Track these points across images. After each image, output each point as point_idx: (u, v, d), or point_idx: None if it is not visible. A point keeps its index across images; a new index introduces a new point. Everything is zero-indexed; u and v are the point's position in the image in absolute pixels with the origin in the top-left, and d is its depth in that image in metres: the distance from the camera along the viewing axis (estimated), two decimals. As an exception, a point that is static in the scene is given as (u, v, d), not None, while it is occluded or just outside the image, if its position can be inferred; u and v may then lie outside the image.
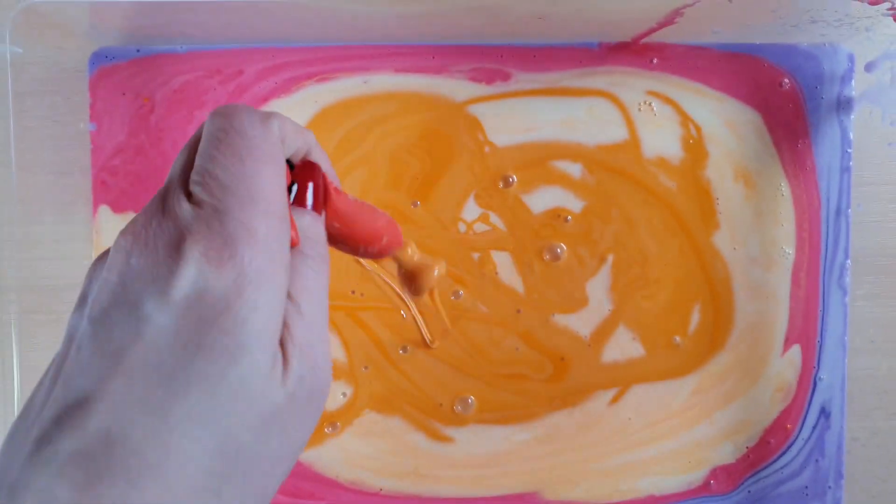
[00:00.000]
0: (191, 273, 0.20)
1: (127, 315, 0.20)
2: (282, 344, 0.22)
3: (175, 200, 0.21)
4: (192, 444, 0.19)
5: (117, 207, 0.44)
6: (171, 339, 0.20)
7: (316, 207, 0.26)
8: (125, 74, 0.44)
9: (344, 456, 0.45)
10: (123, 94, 0.44)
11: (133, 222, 0.22)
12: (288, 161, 0.26)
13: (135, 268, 0.20)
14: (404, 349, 0.45)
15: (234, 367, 0.20)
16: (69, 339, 0.21)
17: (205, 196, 0.21)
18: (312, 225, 0.25)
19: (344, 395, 0.45)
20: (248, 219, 0.21)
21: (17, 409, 0.40)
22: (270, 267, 0.21)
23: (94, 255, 0.44)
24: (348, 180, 0.44)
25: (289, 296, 0.22)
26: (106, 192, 0.44)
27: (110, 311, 0.20)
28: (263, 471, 0.21)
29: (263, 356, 0.20)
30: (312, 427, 0.23)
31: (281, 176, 0.23)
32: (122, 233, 0.21)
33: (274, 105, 0.44)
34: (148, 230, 0.21)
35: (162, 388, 0.19)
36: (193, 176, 0.22)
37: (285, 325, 0.22)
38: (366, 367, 0.45)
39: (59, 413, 0.19)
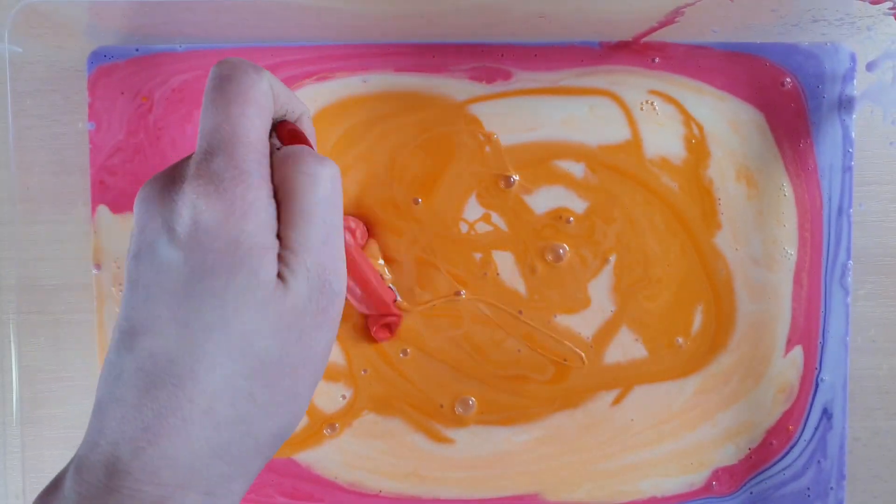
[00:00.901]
0: (187, 210, 0.24)
1: (149, 256, 0.25)
2: (282, 257, 0.25)
3: (183, 159, 0.27)
4: (216, 350, 0.24)
5: (116, 207, 0.44)
6: (183, 267, 0.24)
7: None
8: (124, 74, 0.44)
9: (343, 457, 0.45)
10: (122, 93, 0.44)
11: (153, 179, 0.26)
12: (280, 122, 0.31)
13: (148, 216, 0.25)
14: (405, 352, 0.45)
15: (234, 280, 0.24)
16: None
17: (200, 141, 0.26)
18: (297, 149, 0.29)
19: (343, 397, 0.45)
20: (231, 155, 0.25)
21: (16, 409, 0.40)
22: (252, 193, 0.25)
23: (93, 255, 0.44)
24: (348, 179, 0.44)
25: (284, 213, 0.26)
26: (105, 191, 0.44)
27: (139, 256, 0.25)
28: (288, 374, 0.26)
29: (260, 268, 0.25)
30: (331, 333, 0.27)
31: (264, 118, 0.27)
32: (142, 189, 0.26)
33: (274, 105, 0.44)
34: (157, 182, 0.26)
35: (182, 307, 0.24)
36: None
37: (282, 238, 0.26)
38: (365, 371, 0.45)
39: (120, 340, 0.25)
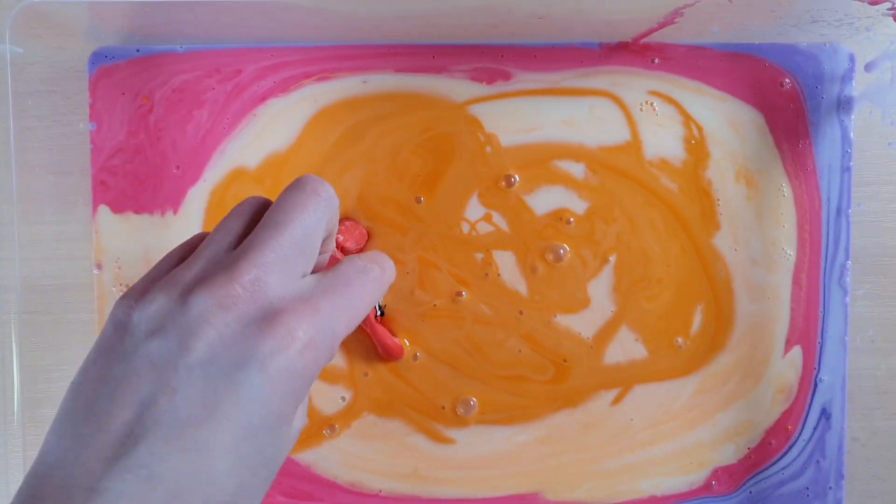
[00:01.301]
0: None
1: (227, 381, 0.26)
2: None
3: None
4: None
5: (117, 207, 0.44)
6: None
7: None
8: (125, 74, 0.44)
9: (343, 457, 0.45)
10: (123, 93, 0.44)
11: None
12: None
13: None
14: (415, 357, 0.45)
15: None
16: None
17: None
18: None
19: (343, 399, 0.45)
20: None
21: (17, 409, 0.40)
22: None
23: (94, 255, 0.44)
24: (347, 177, 0.44)
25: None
26: (105, 191, 0.44)
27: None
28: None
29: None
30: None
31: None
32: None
33: (272, 104, 0.44)
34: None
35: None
36: None
37: None
38: (366, 374, 0.45)
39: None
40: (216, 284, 0.26)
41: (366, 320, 0.37)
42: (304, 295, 0.27)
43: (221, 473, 0.24)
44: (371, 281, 0.30)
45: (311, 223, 0.28)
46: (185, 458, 0.24)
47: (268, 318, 0.26)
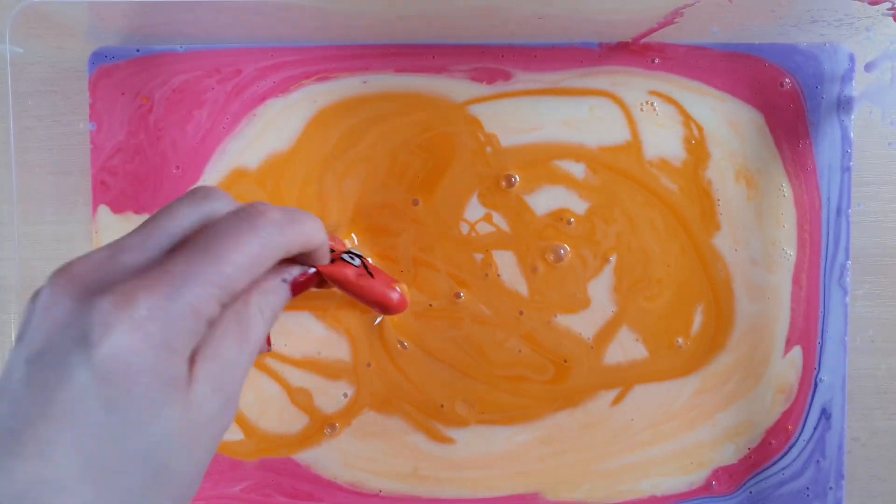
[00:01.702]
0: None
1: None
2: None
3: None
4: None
5: (117, 207, 0.44)
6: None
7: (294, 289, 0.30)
8: (125, 74, 0.44)
9: (342, 457, 0.45)
10: (123, 93, 0.44)
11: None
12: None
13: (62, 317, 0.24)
14: (401, 344, 0.45)
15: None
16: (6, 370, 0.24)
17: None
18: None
19: (345, 395, 0.45)
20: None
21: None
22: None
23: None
24: (347, 178, 0.44)
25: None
26: (105, 191, 0.44)
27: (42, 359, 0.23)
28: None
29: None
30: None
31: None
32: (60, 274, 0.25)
33: (272, 104, 0.44)
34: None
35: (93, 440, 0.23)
36: None
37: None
38: (369, 365, 0.45)
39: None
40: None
41: (347, 283, 0.33)
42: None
43: (71, 480, 0.22)
44: (247, 229, 0.26)
45: (248, 257, 0.25)
46: (27, 468, 0.21)
47: (104, 289, 0.23)
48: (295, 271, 0.30)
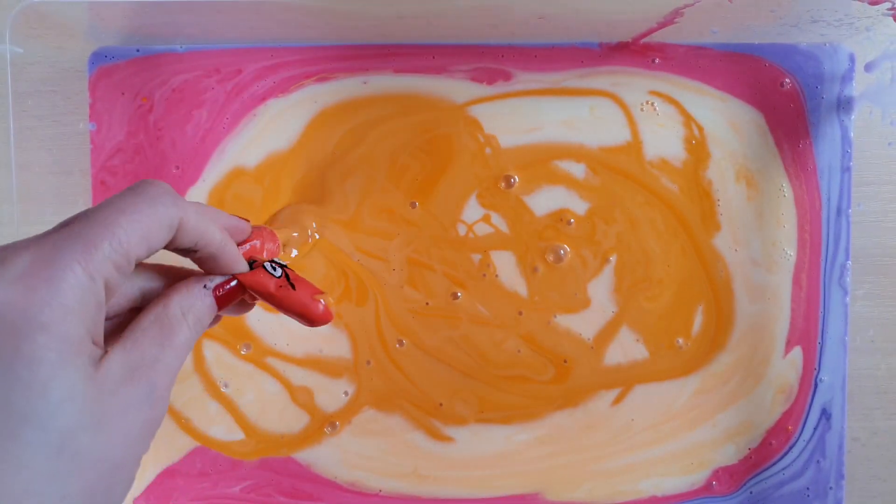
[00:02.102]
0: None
1: None
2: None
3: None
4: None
5: (117, 208, 0.44)
6: None
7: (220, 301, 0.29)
8: (125, 74, 0.44)
9: (343, 456, 0.45)
10: (123, 93, 0.44)
11: None
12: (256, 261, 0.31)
13: None
14: (400, 343, 0.45)
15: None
16: None
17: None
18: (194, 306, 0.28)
19: (346, 393, 0.45)
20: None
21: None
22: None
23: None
24: (348, 181, 0.44)
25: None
26: (105, 191, 0.44)
27: None
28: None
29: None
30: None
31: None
32: None
33: (272, 104, 0.44)
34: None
35: None
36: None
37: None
38: (369, 362, 0.45)
39: None
40: None
41: (267, 295, 0.31)
42: None
43: None
44: (133, 195, 0.25)
45: (139, 222, 0.24)
46: None
47: None
48: (217, 279, 0.30)
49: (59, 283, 0.22)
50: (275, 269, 0.32)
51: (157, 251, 0.26)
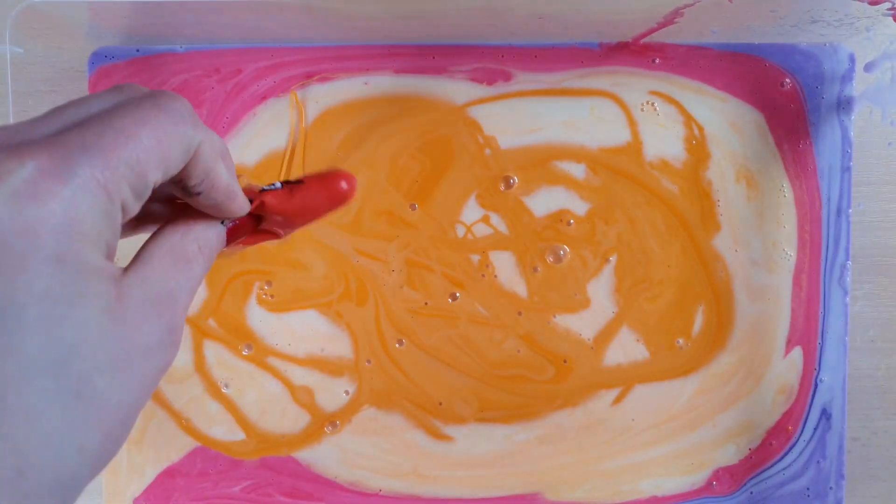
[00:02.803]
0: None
1: None
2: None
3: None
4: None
5: (117, 208, 0.44)
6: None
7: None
8: (125, 74, 0.44)
9: (343, 456, 0.45)
10: (123, 93, 0.44)
11: None
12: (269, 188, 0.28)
13: None
14: (400, 342, 0.45)
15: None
16: None
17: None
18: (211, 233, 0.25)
19: (346, 392, 0.45)
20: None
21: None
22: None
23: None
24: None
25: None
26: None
27: None
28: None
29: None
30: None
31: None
32: None
33: (272, 104, 0.44)
34: None
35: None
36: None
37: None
38: (369, 361, 0.45)
39: None
40: None
41: (284, 205, 0.28)
42: None
43: None
44: (154, 108, 0.21)
45: (156, 138, 0.21)
46: None
47: None
48: (229, 222, 0.26)
49: (73, 201, 0.19)
50: (272, 185, 0.28)
51: (168, 178, 0.22)
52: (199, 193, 0.24)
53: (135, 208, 0.21)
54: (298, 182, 0.29)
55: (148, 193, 0.21)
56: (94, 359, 0.19)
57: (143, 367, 0.21)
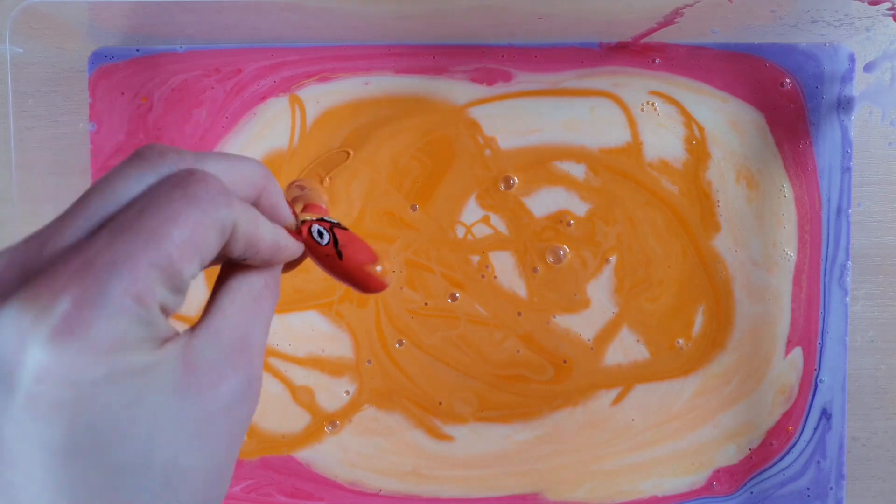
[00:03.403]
0: None
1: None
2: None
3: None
4: None
5: (117, 208, 0.44)
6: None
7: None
8: (124, 74, 0.44)
9: (343, 455, 0.45)
10: (122, 93, 0.44)
11: None
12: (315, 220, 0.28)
13: None
14: (400, 343, 0.45)
15: None
16: None
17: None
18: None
19: (347, 392, 0.45)
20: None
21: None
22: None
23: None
24: (352, 184, 0.44)
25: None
26: (105, 192, 0.44)
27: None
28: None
29: None
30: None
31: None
32: None
33: (272, 104, 0.44)
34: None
35: None
36: None
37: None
38: (369, 362, 0.45)
39: None
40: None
41: (315, 260, 0.29)
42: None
43: None
44: (181, 198, 0.20)
45: (188, 233, 0.20)
46: None
47: (8, 295, 0.18)
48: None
49: (110, 323, 0.18)
50: (322, 235, 0.29)
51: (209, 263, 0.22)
52: (244, 260, 0.24)
53: (177, 301, 0.20)
54: (338, 252, 0.29)
55: (188, 284, 0.21)
56: (176, 442, 0.19)
57: (227, 427, 0.21)
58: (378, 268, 0.30)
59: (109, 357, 0.18)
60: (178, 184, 0.21)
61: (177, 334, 0.20)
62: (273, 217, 0.25)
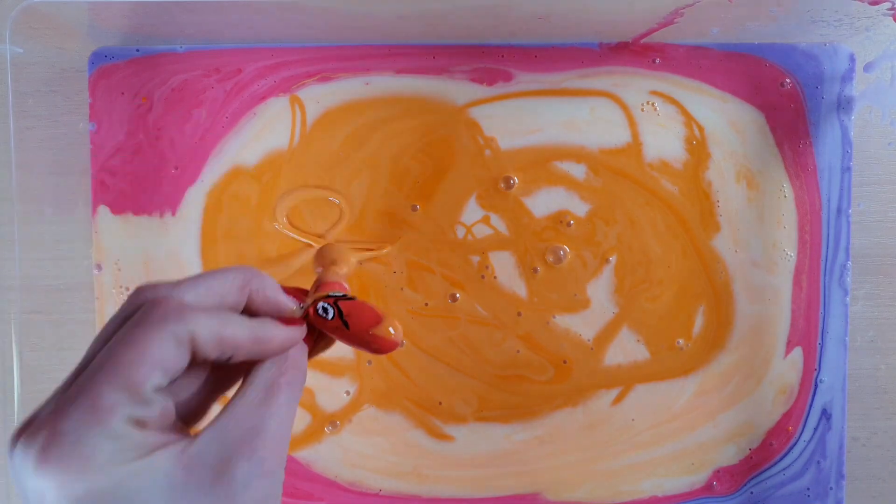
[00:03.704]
0: None
1: None
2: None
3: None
4: None
5: (116, 208, 0.44)
6: None
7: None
8: (124, 74, 0.44)
9: (343, 455, 0.45)
10: (122, 93, 0.44)
11: None
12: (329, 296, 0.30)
13: None
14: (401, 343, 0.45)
15: None
16: None
17: None
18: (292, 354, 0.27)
19: (347, 393, 0.45)
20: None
21: (17, 409, 0.40)
22: None
23: (94, 256, 0.44)
24: (353, 184, 0.44)
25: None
26: (105, 192, 0.44)
27: None
28: None
29: None
30: None
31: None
32: None
33: (272, 104, 0.44)
34: None
35: None
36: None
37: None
38: (370, 362, 0.45)
39: None
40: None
41: (327, 334, 0.31)
42: None
43: None
44: (143, 325, 0.23)
45: (158, 354, 0.22)
46: None
47: (17, 436, 0.22)
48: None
49: (76, 448, 0.21)
50: (326, 311, 0.31)
51: (181, 371, 0.24)
52: (229, 359, 0.25)
53: (150, 412, 0.22)
54: (344, 322, 0.30)
55: (153, 396, 0.22)
56: None
57: None
58: (391, 328, 0.31)
59: (87, 474, 0.21)
60: (137, 314, 0.24)
61: (177, 439, 0.22)
62: (271, 309, 0.27)
